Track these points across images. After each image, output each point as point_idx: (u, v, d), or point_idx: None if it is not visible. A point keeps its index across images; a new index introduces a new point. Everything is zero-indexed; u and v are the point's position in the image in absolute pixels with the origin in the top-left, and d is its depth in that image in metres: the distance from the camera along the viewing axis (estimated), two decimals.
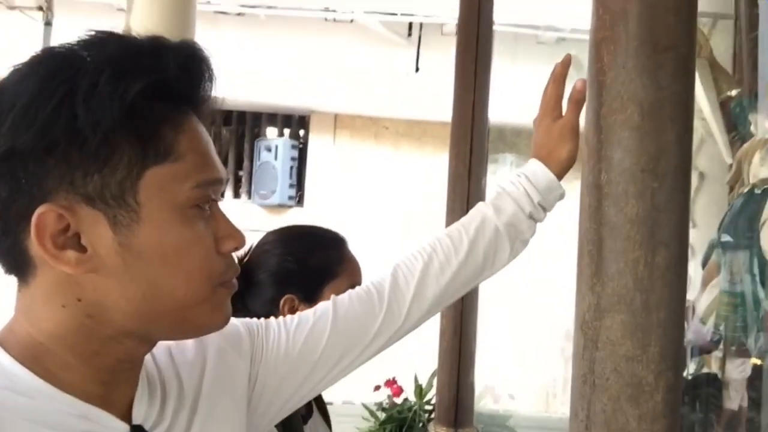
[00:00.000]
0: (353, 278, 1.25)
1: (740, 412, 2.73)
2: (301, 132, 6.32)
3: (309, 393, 0.83)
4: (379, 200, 5.82)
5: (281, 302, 1.19)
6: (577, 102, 0.94)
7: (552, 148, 0.94)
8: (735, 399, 2.74)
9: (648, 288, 0.74)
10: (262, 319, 0.83)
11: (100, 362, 0.59)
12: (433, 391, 2.27)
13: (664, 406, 0.74)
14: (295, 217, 5.59)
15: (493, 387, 3.05)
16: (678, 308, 0.77)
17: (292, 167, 6.04)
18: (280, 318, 0.84)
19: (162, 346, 0.68)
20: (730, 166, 2.11)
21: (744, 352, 2.70)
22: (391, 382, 2.45)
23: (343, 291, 1.22)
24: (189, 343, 0.72)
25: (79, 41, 0.57)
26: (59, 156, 0.54)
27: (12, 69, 0.57)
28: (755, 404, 2.63)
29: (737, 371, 2.74)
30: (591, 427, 0.76)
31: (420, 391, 2.34)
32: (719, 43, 2.55)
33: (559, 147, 0.94)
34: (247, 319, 0.81)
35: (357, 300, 0.87)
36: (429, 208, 5.59)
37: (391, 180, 6.07)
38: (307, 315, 0.84)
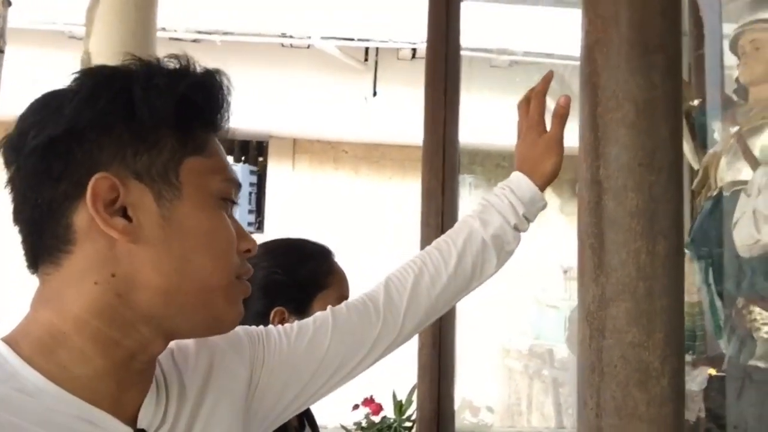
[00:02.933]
0: (341, 289, 1.25)
1: (698, 424, 2.78)
2: (260, 158, 6.30)
3: (308, 400, 0.84)
4: (339, 224, 5.82)
5: (271, 315, 1.19)
6: (561, 117, 0.98)
7: (537, 160, 0.98)
8: (693, 410, 2.78)
9: (650, 276, 0.78)
10: (262, 326, 0.84)
11: (117, 354, 0.61)
12: (413, 406, 2.27)
13: (670, 390, 0.77)
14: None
15: (470, 400, 3.06)
16: (678, 295, 0.80)
17: (251, 193, 6.02)
18: (279, 326, 0.86)
19: (165, 350, 0.68)
20: (696, 171, 2.21)
21: (702, 363, 2.75)
22: (369, 401, 2.43)
23: (332, 302, 1.22)
24: (191, 346, 0.73)
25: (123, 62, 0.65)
26: (114, 136, 0.61)
27: (70, 77, 0.64)
28: (712, 415, 2.68)
29: (695, 382, 2.79)
30: (602, 414, 0.78)
31: (399, 408, 2.33)
32: None
33: (545, 160, 0.98)
34: (247, 326, 0.82)
35: (355, 311, 0.89)
36: (389, 229, 5.63)
37: (351, 203, 6.09)
38: (307, 323, 0.86)
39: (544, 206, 1.00)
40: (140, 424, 0.63)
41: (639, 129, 0.79)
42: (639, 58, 0.80)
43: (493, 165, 6.00)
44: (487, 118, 4.63)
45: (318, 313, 0.89)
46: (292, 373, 0.81)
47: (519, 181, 0.98)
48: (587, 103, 0.84)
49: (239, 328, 0.79)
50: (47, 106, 0.62)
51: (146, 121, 0.61)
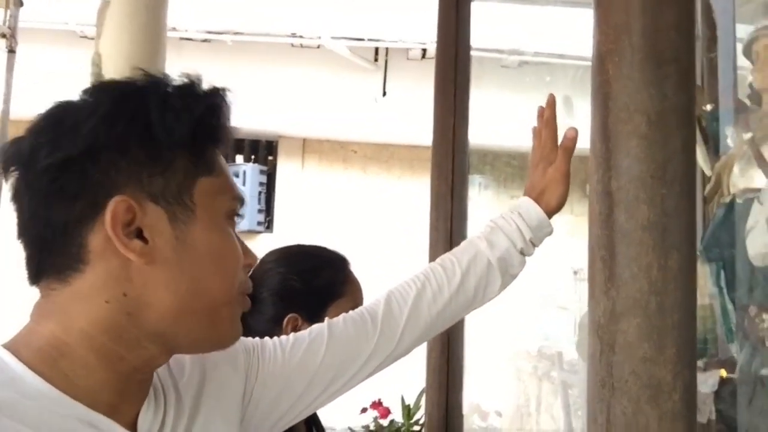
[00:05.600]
0: (356, 299, 1.25)
1: (709, 425, 2.76)
2: (269, 157, 6.30)
3: (302, 411, 0.85)
4: (348, 224, 5.81)
5: (284, 321, 1.19)
6: (567, 149, 1.02)
7: (545, 192, 1.01)
8: (704, 412, 2.76)
9: (662, 291, 0.76)
10: (258, 338, 0.86)
11: (121, 368, 0.62)
12: (422, 411, 2.26)
13: (682, 405, 0.76)
14: (264, 243, 5.54)
15: (479, 404, 3.04)
16: (690, 309, 0.79)
17: (260, 192, 6.02)
18: (276, 338, 0.87)
19: None
20: (709, 178, 2.18)
21: (712, 365, 2.74)
22: (377, 404, 2.42)
23: (347, 311, 1.22)
24: (186, 357, 0.74)
25: (131, 77, 0.65)
26: (130, 158, 0.61)
27: (82, 91, 0.64)
28: (723, 417, 2.66)
29: (707, 385, 2.77)
30: (611, 430, 0.77)
31: (408, 412, 2.33)
32: None
33: (551, 191, 1.01)
34: (243, 338, 0.83)
35: (351, 323, 0.90)
36: (398, 229, 5.62)
37: (360, 203, 6.08)
38: (303, 335, 0.88)
39: (551, 232, 1.02)
40: (140, 430, 0.64)
41: (651, 141, 0.78)
42: (652, 69, 0.79)
43: (503, 165, 5.98)
44: (497, 118, 4.61)
45: (314, 326, 0.91)
46: (285, 384, 0.82)
47: (528, 206, 1.00)
48: (598, 114, 0.83)
49: None
50: (61, 123, 0.61)
51: (162, 143, 0.62)
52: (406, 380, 2.43)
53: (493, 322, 4.95)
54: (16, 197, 0.63)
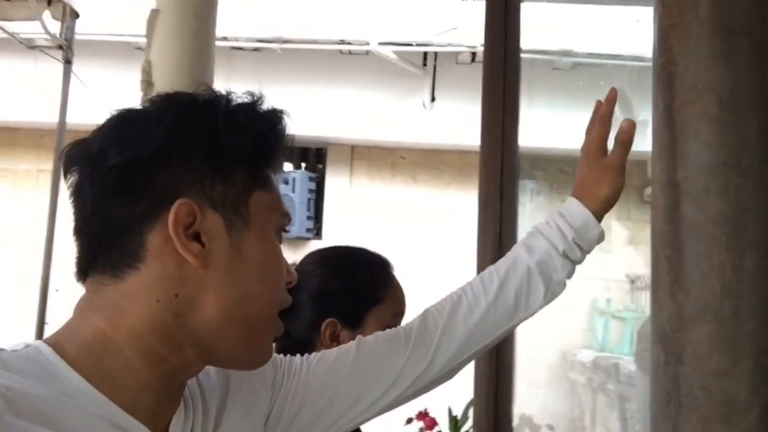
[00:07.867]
0: (397, 304, 1.19)
1: None
2: (319, 164, 6.32)
3: (330, 429, 0.83)
4: (397, 230, 5.76)
5: (322, 326, 1.13)
6: (624, 143, 0.90)
7: (592, 184, 0.92)
8: None
9: (737, 294, 0.67)
10: (289, 356, 0.85)
11: (163, 370, 0.63)
12: (469, 422, 2.17)
13: (759, 425, 0.67)
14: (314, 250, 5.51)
15: (530, 417, 2.93)
16: None
17: (309, 199, 6.00)
18: (306, 355, 0.86)
19: None
20: None
21: None
22: (423, 415, 2.34)
23: (388, 317, 1.16)
24: (212, 368, 0.75)
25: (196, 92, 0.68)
26: (194, 165, 0.64)
27: (148, 99, 0.67)
28: None
29: None
30: None
31: (455, 424, 2.24)
32: None
33: (601, 184, 0.91)
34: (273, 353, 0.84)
35: (383, 339, 0.89)
36: (447, 236, 5.54)
37: (409, 209, 6.03)
38: (331, 351, 0.87)
39: (601, 235, 0.92)
40: None
41: (723, 123, 0.69)
42: (722, 43, 0.70)
43: (556, 170, 5.83)
44: (550, 122, 4.48)
45: (345, 344, 0.89)
46: (306, 397, 0.81)
47: (571, 205, 0.92)
48: (662, 96, 0.74)
49: None
50: (130, 125, 0.65)
51: (225, 154, 0.65)
52: (453, 391, 2.35)
53: (547, 333, 4.80)
54: (78, 194, 0.64)
